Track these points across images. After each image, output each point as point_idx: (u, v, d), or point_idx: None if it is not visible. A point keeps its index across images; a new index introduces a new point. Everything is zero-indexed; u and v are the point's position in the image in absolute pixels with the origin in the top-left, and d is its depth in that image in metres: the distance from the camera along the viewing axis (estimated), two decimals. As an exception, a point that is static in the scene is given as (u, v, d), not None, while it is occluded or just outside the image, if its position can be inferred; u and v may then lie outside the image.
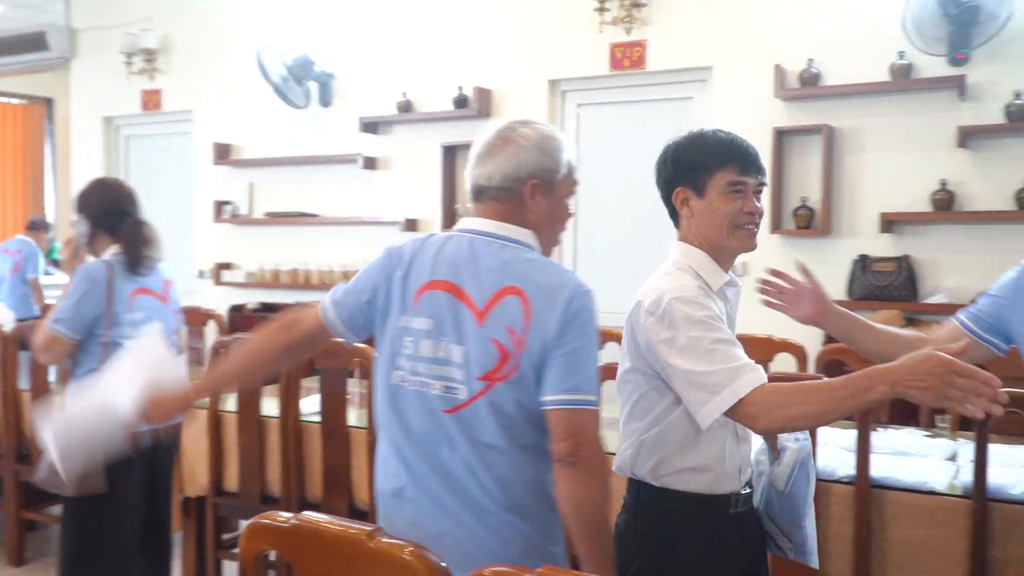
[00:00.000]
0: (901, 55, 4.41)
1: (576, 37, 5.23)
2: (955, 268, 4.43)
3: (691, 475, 1.83)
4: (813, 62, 4.62)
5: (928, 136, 4.42)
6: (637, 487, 1.88)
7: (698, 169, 1.86)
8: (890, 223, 4.50)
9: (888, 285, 4.44)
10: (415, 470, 1.79)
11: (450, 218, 5.60)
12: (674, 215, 1.94)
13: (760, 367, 1.69)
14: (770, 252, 4.69)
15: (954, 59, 4.25)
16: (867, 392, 1.53)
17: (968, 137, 4.33)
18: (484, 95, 5.48)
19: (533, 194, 1.80)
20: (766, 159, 4.64)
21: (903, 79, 4.43)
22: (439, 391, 1.76)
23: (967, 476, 2.36)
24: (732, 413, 1.67)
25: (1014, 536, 2.28)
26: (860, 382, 1.54)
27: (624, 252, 5.20)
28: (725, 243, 1.86)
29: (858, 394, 1.54)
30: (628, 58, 5.10)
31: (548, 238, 1.87)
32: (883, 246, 4.56)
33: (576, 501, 1.69)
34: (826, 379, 1.64)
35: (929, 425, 3.14)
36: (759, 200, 1.88)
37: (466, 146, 5.52)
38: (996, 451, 2.42)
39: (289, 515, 1.23)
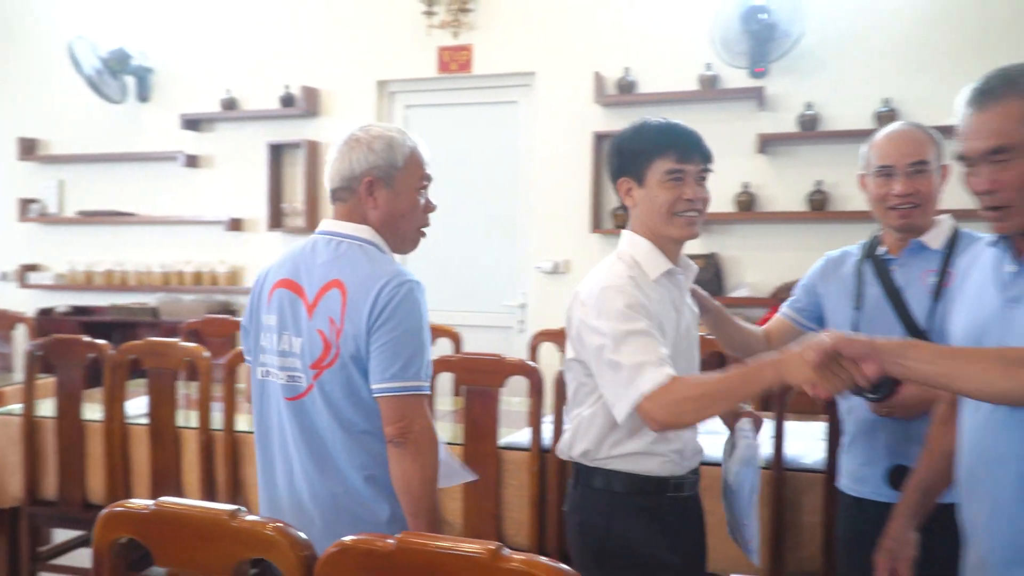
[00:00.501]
0: (708, 67, 4.74)
1: (404, 39, 5.30)
2: (756, 264, 4.81)
3: (626, 459, 1.87)
4: (629, 71, 4.89)
5: (732, 142, 4.78)
6: (576, 469, 1.95)
7: (638, 158, 1.91)
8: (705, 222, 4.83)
9: (698, 280, 4.75)
10: (273, 457, 1.91)
11: (276, 218, 5.54)
12: (623, 205, 1.99)
13: (666, 363, 1.73)
14: (591, 250, 4.94)
15: (754, 72, 4.62)
16: (757, 381, 1.62)
17: (767, 144, 4.71)
18: (311, 94, 5.45)
19: (371, 191, 1.90)
20: (587, 163, 4.93)
21: (710, 89, 4.77)
22: (284, 381, 1.88)
23: (768, 449, 2.59)
24: (635, 410, 1.73)
25: (806, 501, 2.55)
26: (750, 373, 1.63)
27: (452, 251, 5.32)
28: (665, 231, 1.90)
29: (748, 383, 1.63)
30: (455, 61, 5.22)
31: (398, 232, 1.94)
32: (693, 244, 4.84)
33: (405, 480, 1.81)
34: (718, 374, 1.69)
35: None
36: (703, 187, 1.93)
37: (293, 145, 5.48)
38: (791, 427, 2.68)
39: (148, 502, 1.25)
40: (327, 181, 1.96)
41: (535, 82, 5.14)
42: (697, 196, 1.91)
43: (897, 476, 1.98)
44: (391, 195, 1.92)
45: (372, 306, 1.81)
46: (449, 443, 2.87)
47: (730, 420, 2.09)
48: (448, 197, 5.31)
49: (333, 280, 1.85)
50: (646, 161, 1.91)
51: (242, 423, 3.03)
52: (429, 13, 5.10)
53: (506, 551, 1.15)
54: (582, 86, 4.97)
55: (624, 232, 1.99)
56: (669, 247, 1.94)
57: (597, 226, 4.96)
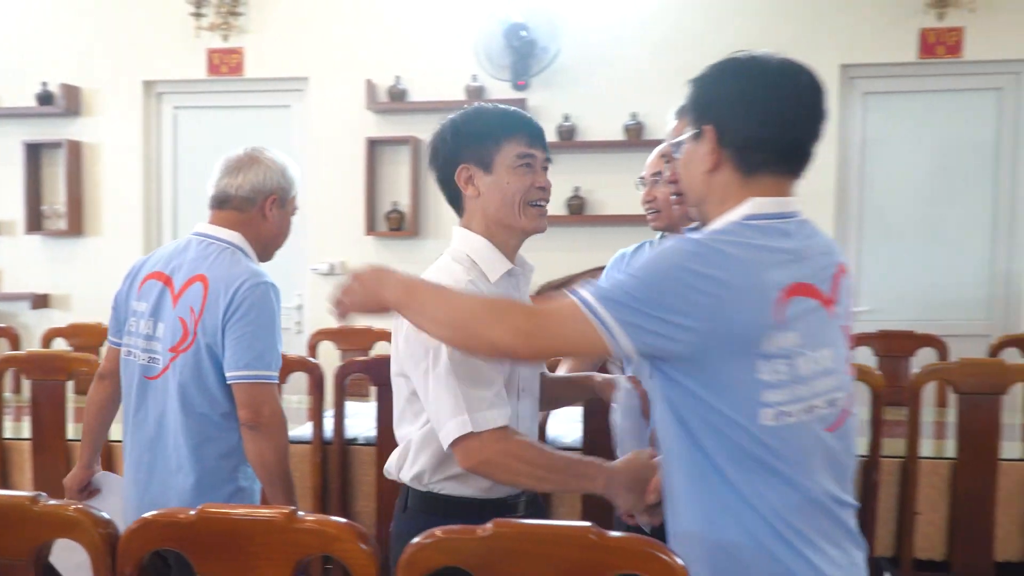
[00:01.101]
0: (475, 78, 5.03)
1: (172, 40, 5.21)
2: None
3: (457, 482, 1.70)
4: (400, 79, 5.09)
5: (498, 150, 5.09)
6: (406, 491, 1.78)
7: (484, 141, 1.71)
8: (470, 225, 5.11)
9: (469, 280, 5.04)
10: (132, 433, 2.15)
11: (36, 220, 5.28)
12: (456, 198, 1.78)
13: (503, 400, 1.61)
14: (366, 252, 5.10)
15: (516, 84, 4.95)
16: (587, 480, 1.57)
17: (530, 152, 5.06)
18: (72, 92, 5.24)
19: (272, 207, 2.20)
20: (360, 168, 5.08)
21: (477, 99, 5.04)
22: (145, 361, 2.12)
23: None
24: (454, 443, 1.59)
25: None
26: (584, 469, 1.57)
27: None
28: (516, 223, 1.73)
29: (578, 481, 1.59)
30: (226, 64, 5.20)
31: (271, 244, 2.28)
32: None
33: (260, 457, 2.04)
34: (556, 453, 1.61)
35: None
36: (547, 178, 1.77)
37: (53, 145, 5.25)
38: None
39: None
40: (228, 187, 2.17)
41: (308, 87, 5.22)
42: (547, 184, 1.77)
43: None
44: (283, 214, 2.25)
45: (230, 301, 2.04)
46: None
47: (606, 390, 1.92)
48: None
49: (198, 275, 2.09)
50: (493, 144, 1.72)
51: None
52: (197, 15, 5.06)
53: (300, 513, 1.31)
54: (355, 92, 5.11)
55: (456, 229, 1.81)
56: (509, 244, 1.77)
57: (371, 228, 5.12)
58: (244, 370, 2.03)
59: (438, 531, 1.28)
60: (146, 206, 5.35)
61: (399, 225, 5.11)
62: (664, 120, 4.86)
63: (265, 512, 1.32)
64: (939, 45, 4.74)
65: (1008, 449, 2.83)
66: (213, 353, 2.04)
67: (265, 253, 2.28)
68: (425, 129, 5.09)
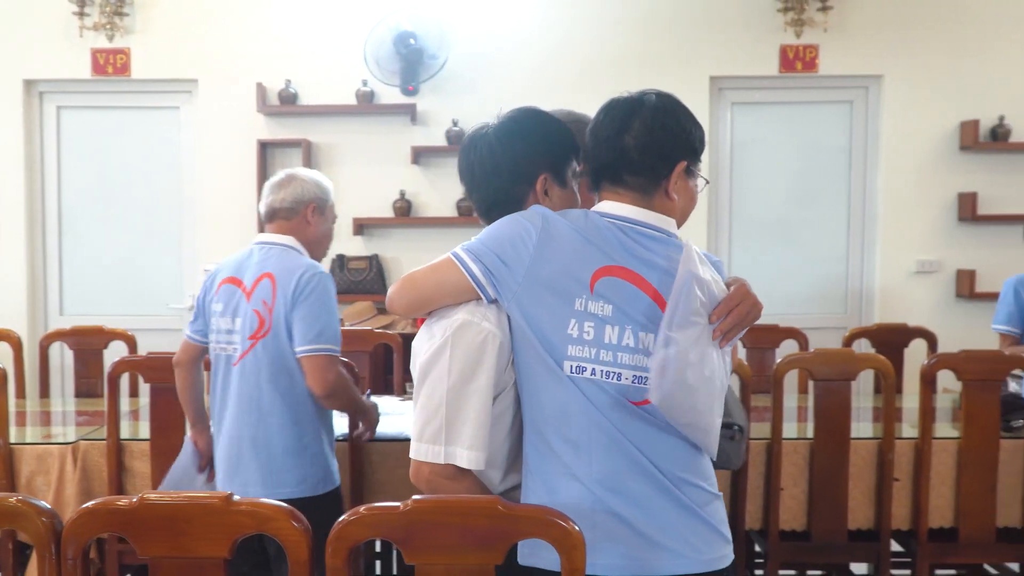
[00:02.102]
0: (365, 83, 5.14)
1: (54, 39, 5.14)
2: (414, 265, 5.18)
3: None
4: (291, 83, 5.16)
5: (389, 153, 5.22)
6: None
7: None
8: (361, 226, 5.23)
9: (362, 280, 5.16)
10: (222, 412, 2.60)
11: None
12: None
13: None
14: (259, 253, 5.15)
15: (406, 90, 5.09)
16: None
17: (420, 155, 5.21)
18: (-54, 90, 5.10)
19: (313, 214, 2.63)
20: (251, 170, 5.13)
21: (367, 104, 5.17)
22: (230, 352, 2.56)
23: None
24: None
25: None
26: None
27: (115, 255, 5.31)
28: None
29: None
30: (111, 64, 5.16)
31: (316, 249, 2.68)
32: (357, 247, 5.27)
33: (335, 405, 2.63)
34: None
35: (402, 392, 3.86)
36: None
37: (-74, 144, 5.09)
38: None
39: None
40: (273, 202, 2.62)
41: (197, 89, 5.23)
42: None
43: None
44: (322, 220, 2.66)
45: (295, 288, 2.49)
46: (133, 439, 3.03)
47: None
48: (108, 201, 5.28)
49: (265, 273, 2.53)
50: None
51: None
52: (81, 14, 5.00)
53: (236, 497, 1.45)
54: (245, 95, 5.15)
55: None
56: None
57: (264, 230, 5.16)
58: (310, 344, 2.47)
59: (362, 508, 1.44)
60: (29, 207, 5.26)
61: (291, 226, 5.16)
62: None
63: (203, 496, 1.45)
64: (797, 60, 5.14)
65: (858, 429, 3.15)
66: (289, 331, 2.50)
67: (314, 254, 2.66)
68: (318, 132, 5.20)
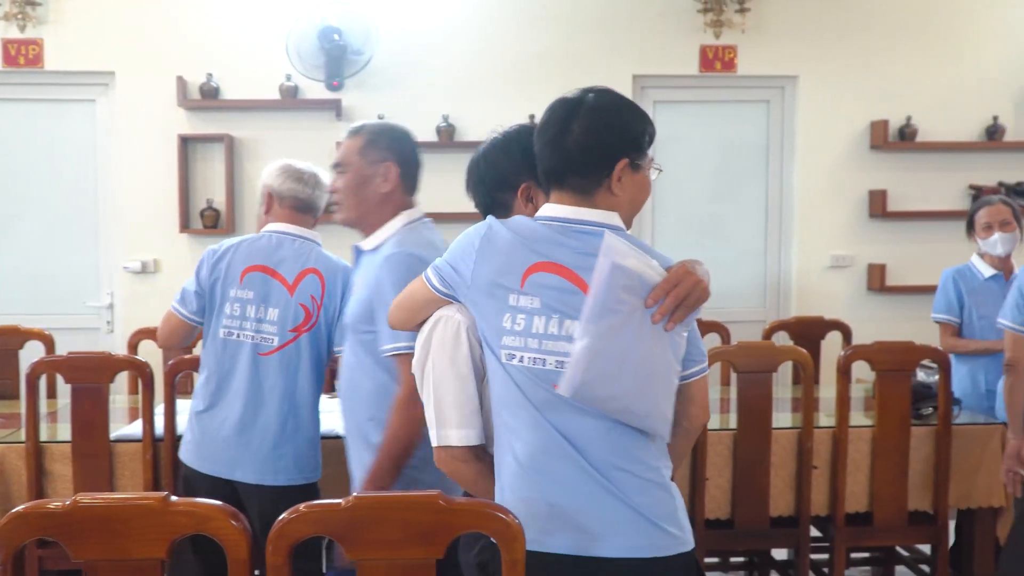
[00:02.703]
0: (289, 77, 5.08)
1: (-39, 28, 4.95)
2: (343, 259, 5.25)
3: None
4: (212, 76, 5.06)
5: (314, 149, 5.12)
6: None
7: None
8: (286, 223, 5.16)
9: (287, 277, 5.10)
10: (246, 397, 2.65)
11: None
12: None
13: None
14: (180, 250, 5.06)
15: (331, 85, 5.05)
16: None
17: (345, 151, 5.17)
18: None
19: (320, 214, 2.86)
20: (172, 165, 5.02)
21: (291, 99, 5.11)
22: (258, 341, 2.64)
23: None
24: None
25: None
26: None
27: (28, 252, 5.15)
28: None
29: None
30: (23, 56, 4.99)
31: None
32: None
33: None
34: None
35: (329, 390, 3.83)
36: None
37: None
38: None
39: None
40: (302, 196, 2.79)
41: (115, 82, 5.10)
42: None
43: None
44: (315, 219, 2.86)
45: (343, 285, 2.66)
46: (53, 441, 2.95)
47: None
48: (21, 197, 5.12)
49: (311, 268, 2.66)
50: None
51: None
52: (-10, 3, 4.83)
53: (173, 498, 1.43)
54: (165, 89, 5.04)
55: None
56: None
57: (186, 226, 5.07)
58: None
59: (302, 506, 1.44)
60: (-66, 203, 5.06)
61: (215, 223, 5.09)
62: (475, 121, 5.14)
63: (139, 497, 1.43)
64: (717, 60, 5.27)
65: (779, 419, 3.26)
66: (330, 332, 2.67)
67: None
68: (241, 127, 5.12)
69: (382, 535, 1.43)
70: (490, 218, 1.79)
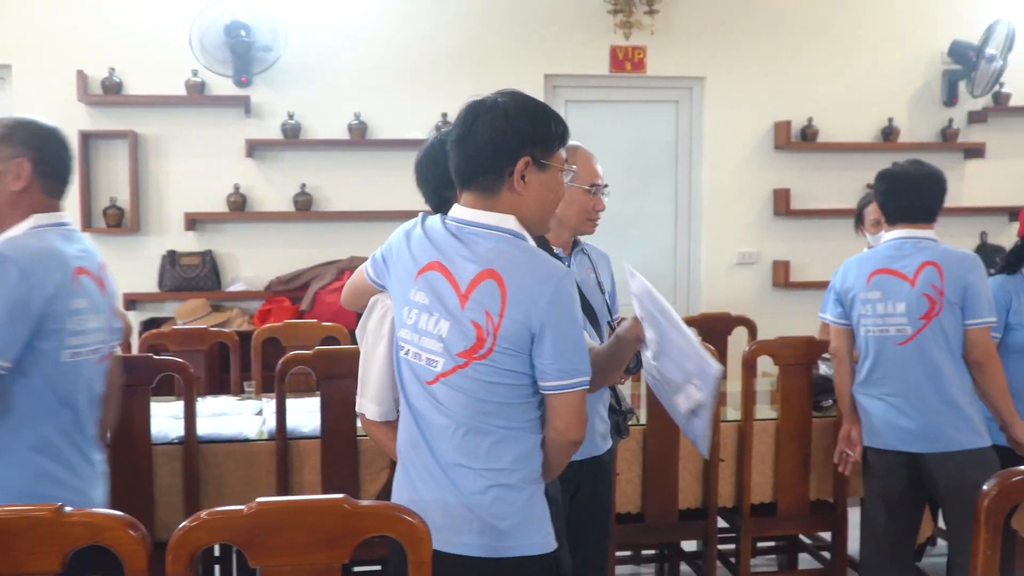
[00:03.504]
0: (195, 73, 4.97)
1: None
2: (250, 260, 5.18)
3: None
4: (115, 71, 4.92)
5: (222, 145, 5.07)
6: None
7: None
8: (193, 221, 5.05)
9: (195, 277, 4.99)
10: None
11: None
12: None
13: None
14: (82, 250, 4.89)
15: (239, 81, 4.96)
16: None
17: (254, 148, 5.09)
18: None
19: None
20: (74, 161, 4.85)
21: (198, 95, 5.00)
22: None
23: (272, 424, 2.96)
24: None
25: (308, 462, 2.97)
26: None
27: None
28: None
29: None
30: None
31: None
32: (188, 242, 5.09)
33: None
34: None
35: (239, 391, 3.77)
36: None
37: None
38: (291, 403, 3.09)
39: None
40: None
41: (11, 75, 4.91)
42: None
43: None
44: None
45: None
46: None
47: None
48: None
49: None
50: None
51: None
52: None
53: (68, 509, 1.39)
54: (65, 83, 4.88)
55: None
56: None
57: (88, 225, 4.92)
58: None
59: (203, 513, 1.42)
60: None
61: (118, 221, 4.95)
62: (387, 119, 5.10)
63: (31, 508, 1.39)
64: (627, 61, 5.35)
65: (686, 414, 3.32)
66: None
67: None
68: (145, 123, 4.99)
69: (286, 541, 1.41)
70: (420, 215, 1.88)
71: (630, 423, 2.61)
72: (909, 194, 2.86)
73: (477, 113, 1.76)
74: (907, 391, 2.79)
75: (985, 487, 1.64)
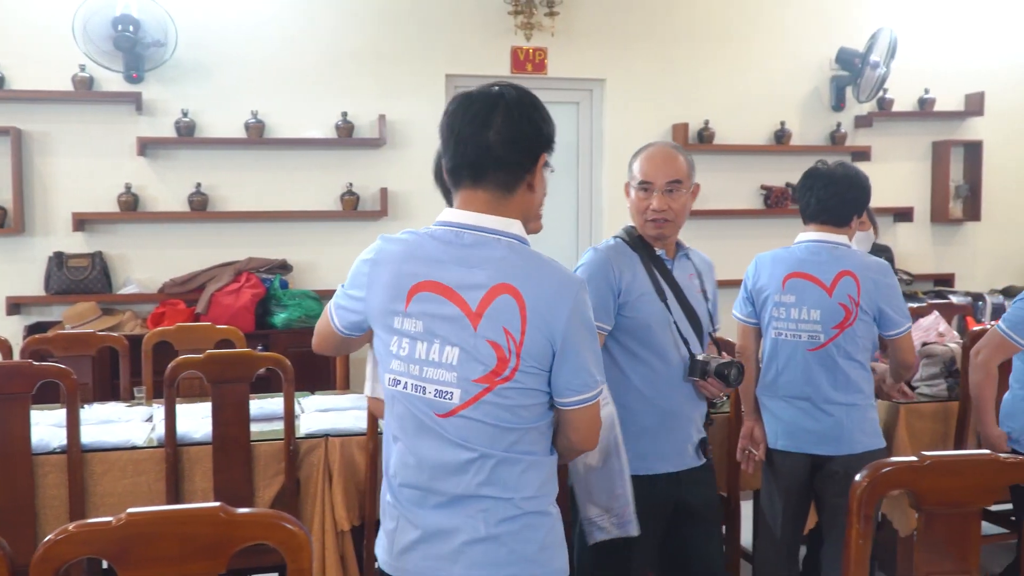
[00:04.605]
0: (83, 68, 4.79)
1: None
2: (143, 262, 5.02)
3: None
4: (-4, 66, 4.72)
5: (112, 143, 4.91)
6: None
7: None
8: (82, 222, 4.88)
9: (84, 279, 4.81)
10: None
11: None
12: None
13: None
14: (-39, 252, 4.68)
15: (130, 77, 4.81)
16: None
17: (146, 147, 4.93)
18: None
19: None
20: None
21: (86, 91, 4.82)
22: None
23: (161, 430, 2.87)
24: None
25: (199, 469, 2.90)
26: None
27: None
28: None
29: None
30: None
31: None
32: (77, 243, 4.91)
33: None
34: None
35: (129, 397, 3.65)
36: None
37: None
38: (182, 409, 3.01)
39: None
40: None
41: None
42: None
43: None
44: None
45: None
46: None
47: None
48: None
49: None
50: None
51: None
52: None
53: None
54: (-59, 77, 4.65)
55: None
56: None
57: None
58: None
59: (71, 526, 1.37)
60: None
61: (1, 221, 4.74)
62: (285, 117, 5.01)
63: None
64: (528, 62, 5.38)
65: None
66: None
67: None
68: (27, 119, 4.80)
69: (159, 552, 1.37)
70: (380, 237, 1.72)
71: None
72: (828, 195, 2.86)
73: (494, 105, 1.64)
74: (814, 395, 2.81)
75: (857, 478, 1.71)
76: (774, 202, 5.71)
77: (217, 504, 1.40)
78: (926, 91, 5.90)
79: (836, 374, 2.80)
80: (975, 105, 5.98)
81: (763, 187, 5.75)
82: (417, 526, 1.68)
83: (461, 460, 1.63)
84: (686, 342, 2.41)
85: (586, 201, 5.65)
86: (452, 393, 1.62)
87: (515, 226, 1.67)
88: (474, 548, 1.64)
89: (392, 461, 1.73)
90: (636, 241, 2.49)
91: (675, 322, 2.41)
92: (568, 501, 2.26)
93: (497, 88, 1.67)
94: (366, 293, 1.69)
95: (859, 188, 2.87)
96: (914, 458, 1.71)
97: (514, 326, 1.61)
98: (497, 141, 1.63)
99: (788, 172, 5.72)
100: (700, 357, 2.39)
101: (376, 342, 1.73)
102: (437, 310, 1.63)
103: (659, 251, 2.46)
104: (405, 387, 1.66)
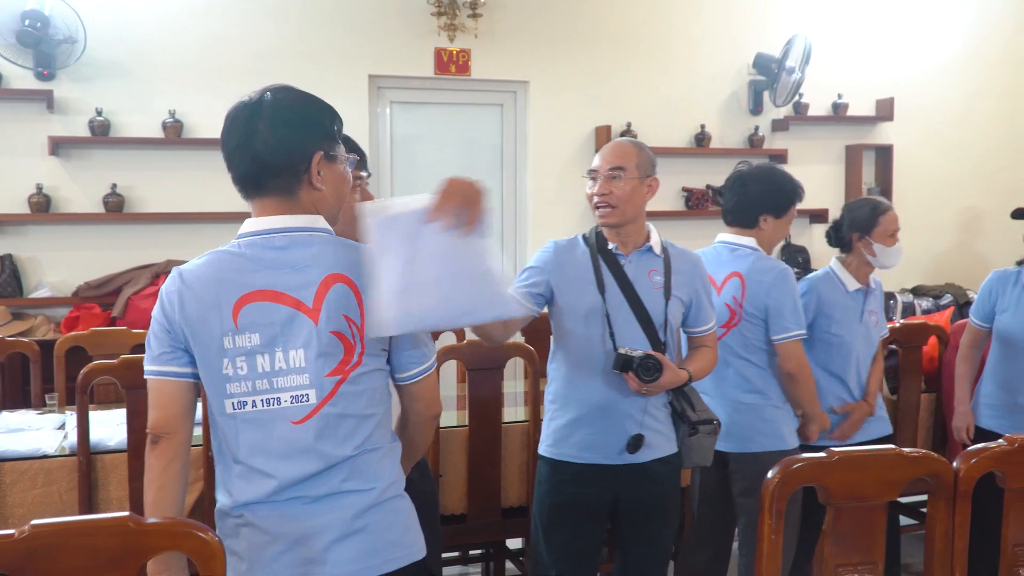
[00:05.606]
0: (-8, 65, 4.64)
1: None
2: (55, 264, 4.87)
3: None
4: None
5: (22, 143, 4.75)
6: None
7: None
8: (-9, 224, 4.72)
9: (-6, 283, 4.65)
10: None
11: None
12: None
13: None
14: None
15: (41, 74, 4.67)
16: None
17: (59, 146, 4.79)
18: None
19: None
20: None
21: (-6, 88, 4.67)
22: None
23: (74, 438, 2.81)
24: None
25: (114, 477, 2.84)
26: None
27: None
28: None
29: None
30: None
31: None
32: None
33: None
34: None
35: (40, 405, 3.54)
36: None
37: None
38: (96, 416, 2.94)
39: None
40: None
41: None
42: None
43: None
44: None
45: None
46: None
47: None
48: None
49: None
50: None
51: None
52: None
53: None
54: None
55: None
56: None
57: None
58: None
59: (-26, 541, 1.32)
60: None
61: (-99, 225, 4.56)
62: (204, 116, 4.92)
63: None
64: (451, 64, 5.38)
65: (510, 413, 3.37)
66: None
67: None
68: (-69, 119, 4.60)
69: (65, 565, 1.34)
70: (174, 270, 1.68)
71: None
72: (734, 196, 2.93)
73: (255, 113, 1.64)
74: (714, 391, 2.85)
75: (769, 475, 1.75)
76: (695, 204, 5.80)
77: (126, 514, 1.37)
78: (839, 96, 6.07)
79: (728, 372, 2.86)
80: (885, 110, 6.18)
81: (684, 189, 5.84)
82: (278, 539, 1.64)
83: (322, 467, 1.64)
84: (613, 336, 2.41)
85: (511, 202, 5.67)
86: (308, 395, 1.63)
87: (319, 221, 1.69)
88: (342, 544, 1.64)
89: (238, 489, 1.67)
90: (593, 235, 2.54)
91: (607, 314, 2.42)
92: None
93: (259, 95, 1.67)
94: (179, 323, 1.63)
95: (763, 185, 2.92)
96: (823, 454, 1.76)
97: (353, 312, 1.65)
98: (264, 150, 1.63)
99: (708, 174, 5.83)
100: (622, 351, 2.37)
101: (201, 372, 1.66)
102: (272, 317, 1.62)
103: (611, 245, 2.47)
104: (255, 405, 1.63)
